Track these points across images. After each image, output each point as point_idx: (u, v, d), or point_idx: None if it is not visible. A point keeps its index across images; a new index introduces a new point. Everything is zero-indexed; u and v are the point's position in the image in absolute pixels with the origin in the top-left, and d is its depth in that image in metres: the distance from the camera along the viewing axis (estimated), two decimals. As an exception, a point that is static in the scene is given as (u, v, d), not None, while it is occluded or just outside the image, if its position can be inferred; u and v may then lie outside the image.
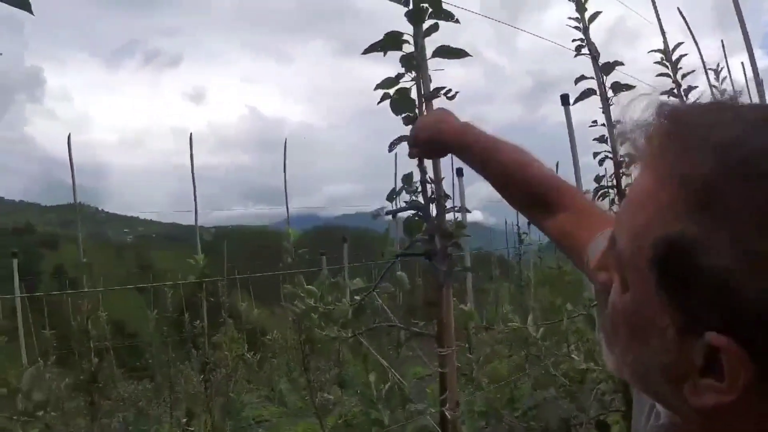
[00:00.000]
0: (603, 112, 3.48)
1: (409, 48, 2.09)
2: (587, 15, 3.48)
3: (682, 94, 4.00)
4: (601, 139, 3.53)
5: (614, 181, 3.51)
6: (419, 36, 2.10)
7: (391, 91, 2.11)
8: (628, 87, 3.50)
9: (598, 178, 3.58)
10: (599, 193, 3.55)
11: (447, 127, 1.46)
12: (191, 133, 6.12)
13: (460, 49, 2.11)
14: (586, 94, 3.52)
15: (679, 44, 4.06)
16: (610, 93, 3.47)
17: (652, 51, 4.04)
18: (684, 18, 4.70)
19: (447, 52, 2.12)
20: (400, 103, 2.11)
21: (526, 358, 4.74)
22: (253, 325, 12.52)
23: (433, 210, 2.15)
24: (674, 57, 4.02)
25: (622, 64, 3.48)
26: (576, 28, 3.48)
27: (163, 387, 7.67)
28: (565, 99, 4.38)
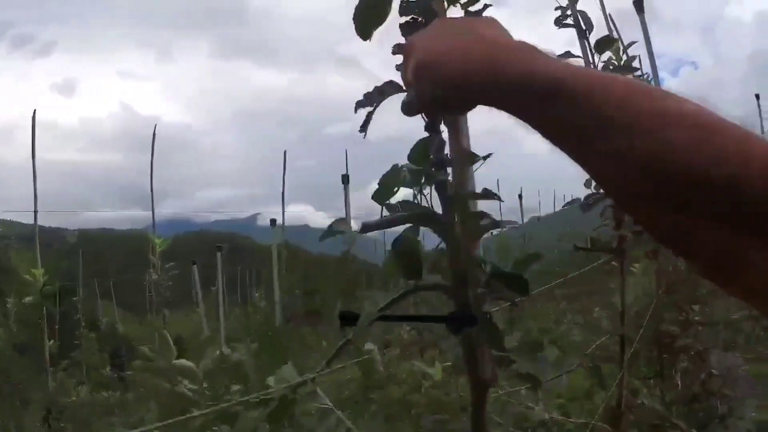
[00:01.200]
0: None
1: None
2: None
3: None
4: None
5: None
6: None
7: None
8: (629, 69, 2.88)
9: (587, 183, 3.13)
10: (593, 200, 2.97)
11: (505, 54, 0.67)
12: (33, 129, 5.58)
13: None
14: None
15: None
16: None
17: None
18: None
19: None
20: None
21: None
22: (118, 341, 11.94)
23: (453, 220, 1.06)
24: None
25: (617, 40, 2.89)
26: None
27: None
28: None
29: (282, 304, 8.99)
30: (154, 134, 5.32)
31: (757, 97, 16.91)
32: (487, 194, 1.06)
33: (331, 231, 1.14)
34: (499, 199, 1.06)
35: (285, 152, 8.71)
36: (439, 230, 1.06)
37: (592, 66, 2.62)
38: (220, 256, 10.05)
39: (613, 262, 2.89)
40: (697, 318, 3.28)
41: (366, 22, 1.12)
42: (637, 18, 4.44)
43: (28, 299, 5.60)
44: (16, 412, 6.15)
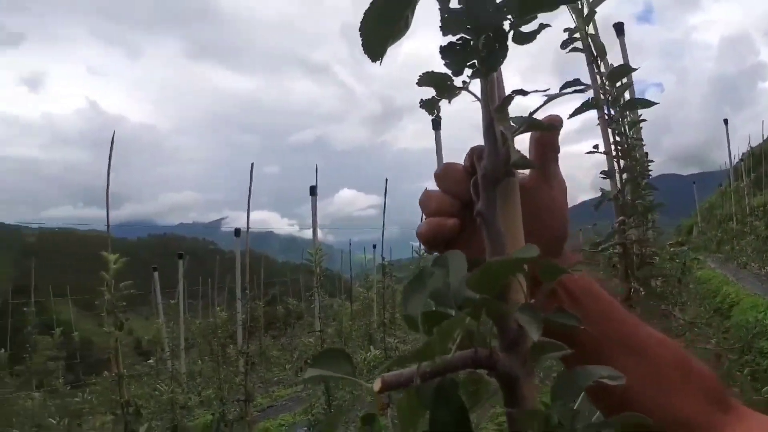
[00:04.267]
0: (607, 136, 2.68)
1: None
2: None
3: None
4: (606, 174, 2.76)
5: (618, 236, 2.74)
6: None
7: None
8: (646, 103, 2.76)
9: (597, 231, 2.84)
10: (600, 249, 2.81)
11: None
12: None
13: None
14: (586, 105, 2.49)
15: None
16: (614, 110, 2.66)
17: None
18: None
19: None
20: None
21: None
22: (73, 345, 11.68)
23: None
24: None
25: (634, 69, 2.70)
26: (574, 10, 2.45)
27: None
28: (436, 123, 4.12)
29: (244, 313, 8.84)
30: (113, 139, 5.10)
31: (726, 122, 17.39)
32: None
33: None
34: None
35: (252, 164, 8.53)
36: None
37: (601, 95, 2.51)
38: (182, 264, 9.82)
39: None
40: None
41: (378, 35, 0.75)
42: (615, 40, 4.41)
43: None
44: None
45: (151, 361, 8.53)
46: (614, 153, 2.68)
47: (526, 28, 0.65)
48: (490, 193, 0.66)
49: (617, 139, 2.69)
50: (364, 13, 0.71)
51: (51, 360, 8.74)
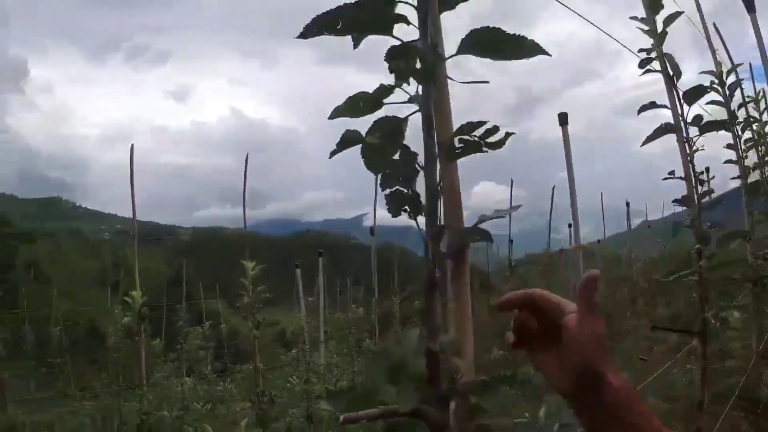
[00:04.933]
0: (686, 160, 2.52)
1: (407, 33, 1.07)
2: (661, 17, 2.41)
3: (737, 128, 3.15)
4: (680, 202, 2.61)
5: (695, 264, 2.59)
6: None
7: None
8: (723, 125, 2.63)
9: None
10: (672, 278, 2.70)
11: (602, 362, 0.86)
12: (132, 145, 5.89)
13: (517, 37, 1.08)
14: (660, 131, 2.44)
15: (736, 66, 3.12)
16: (693, 131, 2.50)
17: (703, 72, 3.08)
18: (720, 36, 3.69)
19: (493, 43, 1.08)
20: (379, 153, 1.07)
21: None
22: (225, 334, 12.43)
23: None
24: (727, 81, 3.01)
25: (709, 91, 2.57)
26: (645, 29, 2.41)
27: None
28: (563, 118, 4.04)
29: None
30: (247, 157, 5.43)
31: None
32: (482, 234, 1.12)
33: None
34: (490, 239, 1.13)
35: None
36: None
37: (681, 120, 2.36)
38: (321, 261, 10.11)
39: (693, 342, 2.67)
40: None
41: (377, 165, 1.10)
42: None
43: (126, 319, 5.87)
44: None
45: (293, 352, 8.90)
46: (692, 177, 2.55)
47: (492, 139, 1.04)
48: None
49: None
50: (361, 150, 1.06)
51: (201, 349, 9.34)
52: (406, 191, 1.05)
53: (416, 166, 1.03)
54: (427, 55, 1.01)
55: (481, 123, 1.06)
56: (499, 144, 1.08)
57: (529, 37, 1.07)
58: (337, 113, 1.09)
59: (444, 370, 0.97)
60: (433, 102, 1.03)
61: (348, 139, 1.08)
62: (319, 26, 1.04)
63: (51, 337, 8.78)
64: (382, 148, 1.06)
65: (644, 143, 2.49)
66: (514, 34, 1.07)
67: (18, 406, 6.28)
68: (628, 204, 15.74)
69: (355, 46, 1.09)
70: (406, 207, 1.05)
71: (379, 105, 1.06)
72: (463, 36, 1.06)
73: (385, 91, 1.06)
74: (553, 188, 12.06)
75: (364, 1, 1.00)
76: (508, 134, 1.06)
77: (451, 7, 1.10)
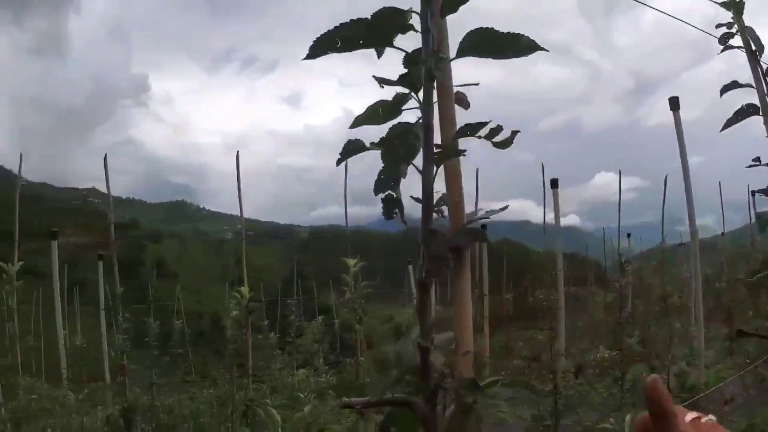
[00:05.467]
0: None
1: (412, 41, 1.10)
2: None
3: None
4: (766, 192, 2.42)
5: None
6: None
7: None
8: None
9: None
10: (755, 277, 2.47)
11: None
12: (237, 152, 6.50)
13: (512, 35, 1.11)
14: (744, 113, 2.19)
15: None
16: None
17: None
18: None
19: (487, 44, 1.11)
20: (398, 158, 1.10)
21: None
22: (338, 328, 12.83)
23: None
24: None
25: None
26: (723, 4, 2.20)
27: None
28: (674, 103, 3.81)
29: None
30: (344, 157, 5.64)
31: None
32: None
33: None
34: (484, 239, 1.34)
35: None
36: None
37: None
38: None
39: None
40: None
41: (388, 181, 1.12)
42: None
43: (234, 313, 6.15)
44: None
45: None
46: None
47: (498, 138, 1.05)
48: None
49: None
50: (382, 156, 1.07)
51: (315, 342, 9.63)
52: (395, 195, 1.10)
53: (416, 169, 1.09)
54: (428, 60, 1.04)
55: (484, 123, 1.10)
56: (506, 143, 1.10)
57: (540, 33, 1.08)
58: (358, 122, 1.16)
59: (434, 366, 1.05)
60: (437, 105, 1.08)
61: (352, 148, 1.13)
62: (321, 46, 1.11)
63: (174, 329, 9.41)
64: (400, 152, 1.08)
65: (724, 128, 2.27)
66: (509, 33, 1.11)
67: (141, 392, 6.80)
68: (753, 193, 14.65)
69: (379, 55, 1.12)
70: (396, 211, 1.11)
71: (398, 112, 1.10)
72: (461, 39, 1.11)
73: (402, 98, 1.10)
74: (666, 177, 11.08)
75: (356, 21, 1.06)
76: (514, 133, 1.09)
77: (454, 10, 1.12)
